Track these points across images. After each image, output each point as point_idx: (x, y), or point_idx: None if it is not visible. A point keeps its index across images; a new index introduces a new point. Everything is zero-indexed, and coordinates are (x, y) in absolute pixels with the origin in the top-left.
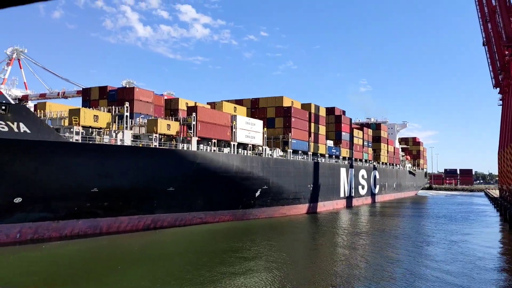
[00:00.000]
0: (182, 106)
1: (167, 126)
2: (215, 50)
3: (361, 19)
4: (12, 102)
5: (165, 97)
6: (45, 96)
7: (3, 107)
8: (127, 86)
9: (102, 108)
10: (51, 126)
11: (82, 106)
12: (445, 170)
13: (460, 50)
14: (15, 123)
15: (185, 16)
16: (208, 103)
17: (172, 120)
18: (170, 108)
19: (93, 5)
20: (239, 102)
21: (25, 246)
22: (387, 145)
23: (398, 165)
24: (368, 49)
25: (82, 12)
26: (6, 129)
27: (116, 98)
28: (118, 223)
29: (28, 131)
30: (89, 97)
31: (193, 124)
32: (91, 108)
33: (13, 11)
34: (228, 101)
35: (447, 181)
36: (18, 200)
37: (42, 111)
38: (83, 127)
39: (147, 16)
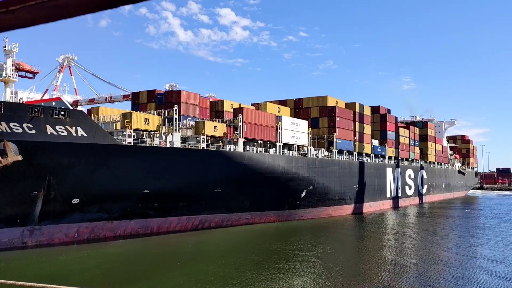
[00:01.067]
0: (227, 107)
1: (214, 128)
2: (254, 52)
3: (401, 14)
4: (71, 107)
5: (211, 99)
6: (94, 101)
7: (62, 113)
8: (171, 89)
9: (151, 111)
10: (106, 130)
11: (132, 110)
12: (497, 169)
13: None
14: (73, 128)
15: (224, 19)
16: (252, 104)
17: (218, 121)
18: (216, 110)
19: (137, 12)
20: (282, 102)
21: (93, 245)
22: (435, 143)
23: (446, 164)
24: (411, 45)
25: (126, 20)
26: (65, 133)
27: (164, 101)
28: (167, 223)
29: (85, 135)
30: (138, 101)
31: (239, 126)
32: (142, 112)
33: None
34: (271, 102)
35: (500, 181)
36: (75, 201)
37: (95, 115)
38: (135, 130)
39: (188, 21)
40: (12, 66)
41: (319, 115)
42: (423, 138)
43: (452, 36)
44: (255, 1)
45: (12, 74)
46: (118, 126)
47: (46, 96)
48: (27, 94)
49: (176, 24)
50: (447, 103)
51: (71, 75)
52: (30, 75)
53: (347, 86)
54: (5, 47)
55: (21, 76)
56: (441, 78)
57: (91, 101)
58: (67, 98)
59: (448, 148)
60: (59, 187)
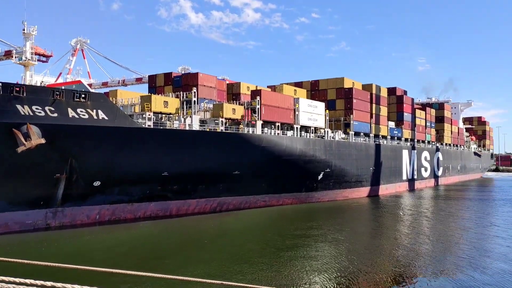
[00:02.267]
0: (243, 90)
1: (232, 111)
2: (267, 34)
3: None
4: (91, 90)
5: (227, 82)
6: (107, 85)
7: (83, 96)
8: (183, 72)
9: (169, 94)
10: (126, 113)
11: (149, 92)
12: None
13: None
14: (94, 111)
15: (236, 1)
16: (268, 87)
17: (236, 104)
18: (232, 92)
19: None
20: (298, 84)
21: (116, 226)
22: (451, 125)
23: (462, 146)
24: (426, 25)
25: (138, 3)
26: (86, 116)
27: (181, 84)
28: (186, 206)
29: (106, 118)
30: (155, 84)
31: (258, 108)
32: (160, 95)
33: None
34: (287, 83)
35: None
36: (97, 183)
37: (114, 98)
38: (154, 113)
39: (199, 3)
40: (31, 49)
41: (335, 97)
42: (439, 120)
43: (466, 15)
44: None
45: (31, 58)
46: (137, 109)
47: (60, 80)
48: (41, 77)
49: (187, 6)
50: (463, 84)
51: (84, 58)
52: (44, 59)
53: (361, 67)
54: (24, 30)
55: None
56: (456, 59)
57: (104, 84)
58: (82, 80)
59: (464, 130)
60: (81, 169)
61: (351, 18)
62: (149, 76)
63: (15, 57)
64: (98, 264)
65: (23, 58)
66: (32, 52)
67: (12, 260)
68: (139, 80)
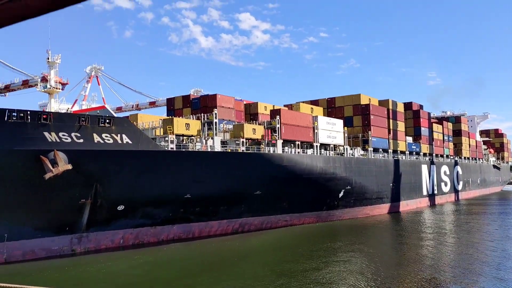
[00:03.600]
0: (261, 110)
1: (253, 131)
2: (276, 55)
3: (422, 7)
4: (115, 115)
5: (244, 102)
6: (121, 109)
7: (108, 121)
8: (196, 94)
9: (189, 116)
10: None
11: (167, 115)
12: None
13: None
14: (119, 135)
15: (244, 24)
16: (285, 105)
17: (255, 124)
18: (250, 112)
19: (160, 22)
20: (314, 102)
21: (142, 250)
22: (469, 138)
23: (481, 159)
24: (434, 39)
25: (149, 30)
26: (111, 141)
27: (199, 106)
28: (209, 227)
29: (130, 141)
30: (173, 106)
31: (278, 127)
32: (179, 117)
33: (88, 34)
34: (304, 102)
35: None
36: (121, 207)
37: (134, 122)
38: (176, 135)
39: (209, 28)
40: (55, 77)
41: (352, 114)
42: (457, 133)
43: (474, 29)
44: (274, 4)
45: (56, 86)
46: (157, 132)
47: (76, 107)
48: (58, 105)
49: (197, 31)
50: (477, 97)
51: (99, 84)
52: (60, 86)
53: (371, 84)
54: (48, 58)
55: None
56: (467, 73)
57: (119, 109)
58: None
59: (482, 143)
60: (106, 194)
61: (359, 35)
62: (167, 99)
63: (40, 85)
64: None
65: (48, 86)
66: (56, 81)
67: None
68: (152, 104)
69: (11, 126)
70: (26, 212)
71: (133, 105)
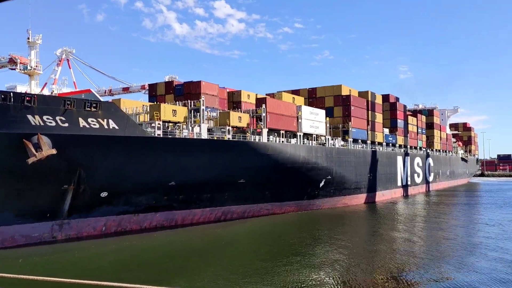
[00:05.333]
0: (244, 98)
1: (239, 119)
2: (251, 44)
3: (395, 3)
4: (101, 99)
5: (227, 90)
6: None
7: (95, 105)
8: (170, 80)
9: (170, 102)
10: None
11: (149, 101)
12: (498, 155)
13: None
14: (105, 120)
15: (219, 12)
16: (267, 94)
17: (239, 112)
18: (233, 100)
19: (133, 6)
20: (295, 92)
21: (125, 237)
22: (440, 131)
23: (450, 152)
24: (407, 34)
25: (122, 14)
26: (97, 126)
27: (183, 92)
28: (192, 215)
29: (117, 127)
30: (155, 92)
31: (263, 116)
32: (167, 103)
33: (59, 17)
34: (285, 91)
35: (501, 167)
36: (104, 194)
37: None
38: (163, 121)
39: (184, 14)
40: (36, 58)
41: (333, 104)
42: (429, 126)
43: (444, 24)
44: None
45: (37, 67)
46: (142, 118)
47: (45, 91)
48: (26, 88)
49: (171, 17)
50: (445, 92)
51: (70, 68)
52: (41, 68)
53: (344, 76)
54: (28, 38)
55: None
56: (438, 66)
57: None
58: (67, 91)
59: (452, 136)
60: (89, 180)
61: (334, 28)
62: (149, 85)
63: (19, 67)
64: (108, 279)
65: (28, 67)
66: (36, 61)
67: (17, 276)
68: (126, 90)
69: None
70: (6, 198)
71: (105, 90)
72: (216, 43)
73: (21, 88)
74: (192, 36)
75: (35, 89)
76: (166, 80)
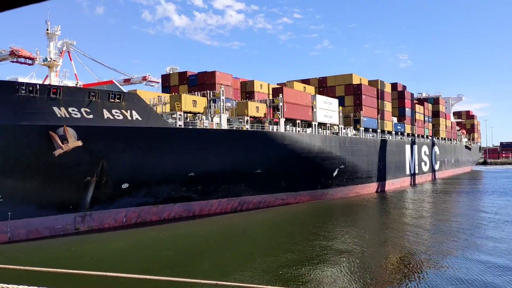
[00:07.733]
0: (257, 88)
1: (256, 109)
2: (250, 35)
3: None
4: (125, 91)
5: (240, 80)
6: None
7: (118, 96)
8: (171, 72)
9: (186, 93)
10: (159, 113)
11: (162, 92)
12: (501, 143)
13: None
14: (128, 111)
15: (218, 3)
16: (278, 84)
17: (257, 102)
18: (246, 90)
19: None
20: (305, 81)
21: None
22: (445, 119)
23: (455, 140)
24: (406, 22)
25: (122, 7)
26: (121, 117)
27: (197, 82)
28: (209, 206)
29: (140, 118)
30: (168, 83)
31: (280, 105)
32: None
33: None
34: (296, 81)
35: (503, 155)
36: (125, 185)
37: None
38: (184, 112)
39: (183, 6)
40: (55, 49)
41: (344, 93)
42: (435, 115)
43: (447, 11)
44: None
45: (56, 59)
46: (159, 109)
47: (47, 82)
48: (27, 80)
49: (171, 9)
50: (447, 80)
51: (71, 60)
52: (30, 61)
53: (345, 65)
54: (47, 30)
55: (20, 63)
56: (438, 54)
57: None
58: (68, 83)
59: (456, 124)
60: (111, 172)
61: (333, 17)
62: (162, 76)
63: (38, 58)
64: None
65: (48, 59)
66: (56, 53)
67: (41, 269)
68: (127, 81)
69: (19, 100)
70: (31, 190)
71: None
72: (215, 35)
73: (22, 80)
74: (191, 27)
75: (55, 81)
76: (167, 71)
